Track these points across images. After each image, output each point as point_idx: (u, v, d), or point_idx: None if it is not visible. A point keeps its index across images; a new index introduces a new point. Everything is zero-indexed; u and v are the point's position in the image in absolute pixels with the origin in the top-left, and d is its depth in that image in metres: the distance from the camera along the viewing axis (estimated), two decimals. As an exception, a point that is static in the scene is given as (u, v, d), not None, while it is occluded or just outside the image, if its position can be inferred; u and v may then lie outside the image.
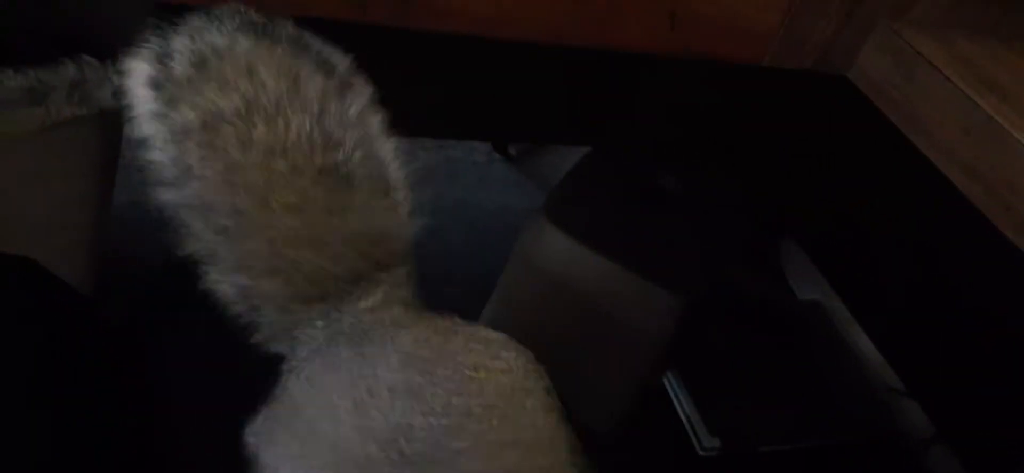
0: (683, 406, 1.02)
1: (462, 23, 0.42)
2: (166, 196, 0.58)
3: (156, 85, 0.57)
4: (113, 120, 0.75)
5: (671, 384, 1.05)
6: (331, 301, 0.62)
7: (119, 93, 0.68)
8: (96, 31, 0.68)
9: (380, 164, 0.65)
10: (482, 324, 1.01)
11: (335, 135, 0.60)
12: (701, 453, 0.98)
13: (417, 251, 1.14)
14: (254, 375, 0.60)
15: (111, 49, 0.67)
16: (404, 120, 1.17)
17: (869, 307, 1.20)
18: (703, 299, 1.01)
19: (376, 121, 0.65)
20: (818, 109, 1.13)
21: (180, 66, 0.57)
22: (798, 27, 0.69)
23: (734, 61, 0.50)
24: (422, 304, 0.69)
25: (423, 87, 1.11)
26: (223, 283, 0.59)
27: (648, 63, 1.15)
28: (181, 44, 0.57)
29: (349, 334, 0.61)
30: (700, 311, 1.03)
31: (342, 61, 0.63)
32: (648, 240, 0.97)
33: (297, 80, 0.59)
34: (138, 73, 0.57)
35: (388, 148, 0.66)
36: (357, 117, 0.62)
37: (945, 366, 1.09)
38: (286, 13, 0.40)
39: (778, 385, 1.09)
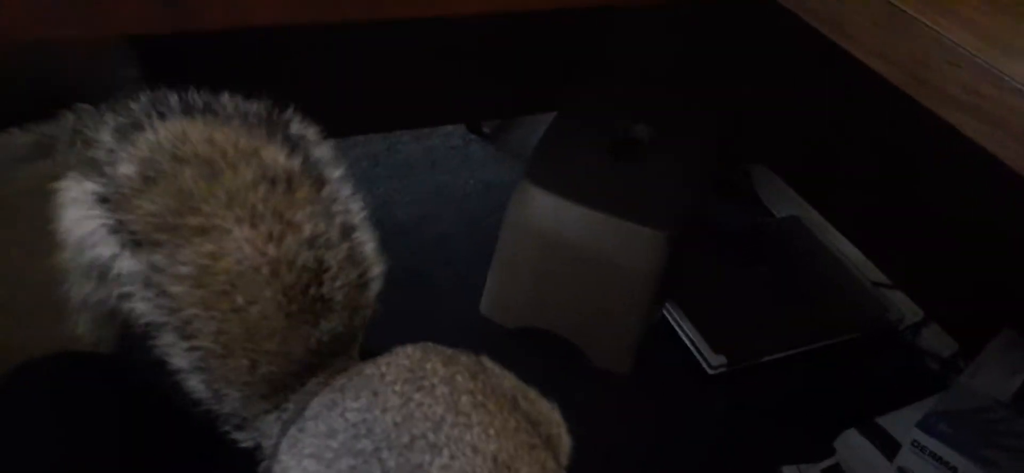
0: (686, 333, 1.08)
1: (429, 8, 0.47)
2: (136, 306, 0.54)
3: (103, 200, 0.53)
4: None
5: (672, 316, 1.10)
6: (286, 394, 0.59)
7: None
8: (88, 79, 0.73)
9: (360, 254, 0.60)
10: (487, 296, 1.08)
11: (325, 261, 0.57)
12: (710, 372, 1.04)
13: (412, 240, 1.20)
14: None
15: (106, 95, 0.71)
16: (381, 117, 1.23)
17: (842, 211, 1.26)
18: (686, 232, 1.07)
19: (356, 209, 0.60)
20: (752, 34, 1.19)
21: (125, 169, 0.53)
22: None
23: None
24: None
25: (396, 81, 1.16)
26: (191, 381, 0.57)
27: (594, 21, 1.20)
28: (124, 149, 0.53)
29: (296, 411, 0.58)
30: (687, 244, 1.09)
31: (314, 139, 0.59)
32: (627, 186, 1.03)
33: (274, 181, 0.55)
34: (78, 194, 0.54)
35: (366, 231, 0.61)
36: (343, 227, 0.58)
37: (921, 250, 1.16)
38: (267, 22, 0.44)
39: (771, 298, 1.15)
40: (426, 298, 1.09)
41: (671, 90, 1.20)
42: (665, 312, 1.11)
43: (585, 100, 1.16)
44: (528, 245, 1.03)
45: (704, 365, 1.05)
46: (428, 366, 0.55)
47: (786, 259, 1.23)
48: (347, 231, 0.58)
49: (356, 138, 1.30)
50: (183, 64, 0.81)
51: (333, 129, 1.21)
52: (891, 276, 1.21)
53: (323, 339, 0.57)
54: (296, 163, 0.56)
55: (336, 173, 0.58)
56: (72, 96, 0.70)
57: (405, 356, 0.57)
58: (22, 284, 0.78)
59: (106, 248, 0.53)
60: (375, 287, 0.61)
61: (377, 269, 0.60)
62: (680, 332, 1.09)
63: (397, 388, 0.54)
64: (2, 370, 0.80)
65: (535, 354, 1.00)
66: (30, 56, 0.71)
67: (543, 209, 1.00)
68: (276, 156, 0.55)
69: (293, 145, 0.57)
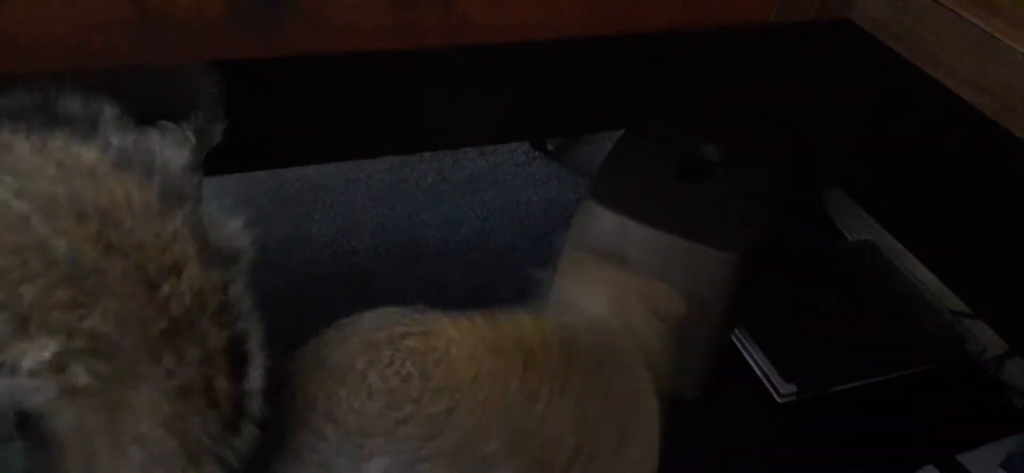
0: (756, 359, 1.05)
1: (504, 35, 0.47)
2: None
3: None
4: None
5: (741, 341, 1.08)
6: None
7: (197, 151, 0.75)
8: (169, 98, 0.75)
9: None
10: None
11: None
12: (780, 400, 1.01)
13: (475, 255, 1.20)
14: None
15: (184, 113, 0.73)
16: (448, 134, 1.24)
17: (921, 237, 1.22)
18: (756, 255, 1.04)
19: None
20: (830, 55, 1.16)
21: None
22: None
23: (743, 22, 0.54)
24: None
25: (463, 99, 1.17)
26: None
27: (666, 41, 1.19)
28: None
29: None
30: (756, 266, 1.06)
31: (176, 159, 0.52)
32: (694, 207, 1.01)
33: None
34: None
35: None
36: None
37: (1006, 280, 1.10)
38: (354, 49, 0.44)
39: (844, 325, 1.11)
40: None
41: (742, 109, 1.17)
42: (734, 337, 1.09)
43: (652, 118, 1.15)
44: (592, 264, 1.02)
45: (773, 393, 1.02)
46: None
47: (860, 285, 1.18)
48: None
49: (423, 153, 1.32)
50: (258, 80, 0.84)
51: (402, 145, 1.24)
52: (972, 305, 1.15)
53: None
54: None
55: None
56: (155, 112, 0.72)
57: None
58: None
59: None
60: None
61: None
62: (749, 358, 1.06)
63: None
64: None
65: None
66: (114, 74, 0.74)
67: (608, 228, 0.99)
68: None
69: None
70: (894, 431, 1.01)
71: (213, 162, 0.78)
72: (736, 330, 1.09)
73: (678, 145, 1.09)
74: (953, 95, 0.66)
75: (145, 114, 0.73)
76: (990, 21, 0.60)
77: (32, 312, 0.42)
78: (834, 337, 1.10)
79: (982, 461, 0.88)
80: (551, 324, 0.66)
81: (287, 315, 1.07)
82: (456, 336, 0.59)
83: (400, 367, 0.56)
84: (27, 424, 0.50)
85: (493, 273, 1.17)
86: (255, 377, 0.50)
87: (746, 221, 1.03)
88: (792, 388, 1.01)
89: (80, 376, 0.43)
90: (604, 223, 0.99)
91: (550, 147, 1.38)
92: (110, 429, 0.46)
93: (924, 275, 1.20)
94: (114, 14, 0.37)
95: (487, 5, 0.47)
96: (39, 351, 0.42)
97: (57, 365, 0.43)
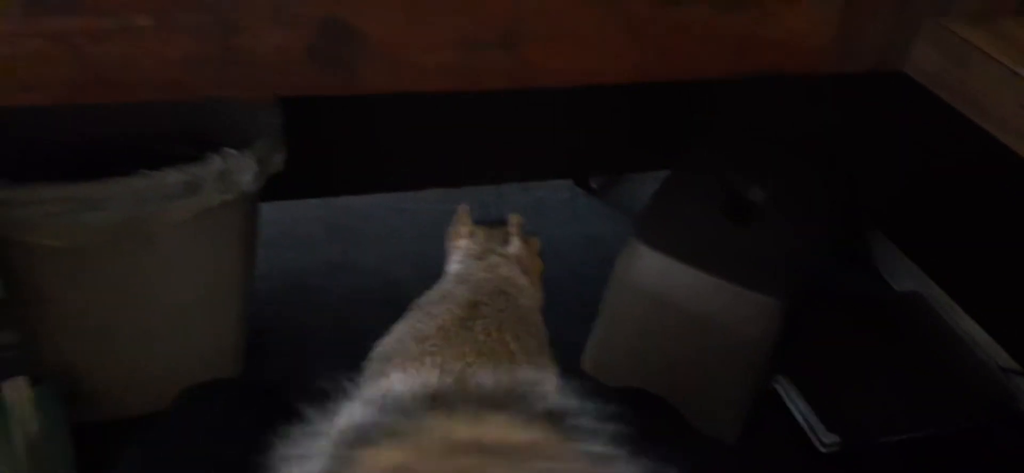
0: (798, 407, 1.04)
1: (565, 79, 0.48)
2: None
3: None
4: (252, 202, 0.84)
5: (783, 387, 1.06)
6: None
7: (258, 178, 0.77)
8: (236, 126, 0.78)
9: None
10: (590, 351, 1.07)
11: None
12: (822, 450, 1.00)
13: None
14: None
15: (248, 141, 0.76)
16: (491, 169, 1.26)
17: (969, 290, 1.19)
18: (801, 300, 1.03)
19: None
20: (884, 106, 1.16)
21: None
22: (852, 35, 0.74)
23: (799, 73, 0.55)
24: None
25: (508, 135, 1.18)
26: None
27: (720, 85, 1.20)
28: None
29: None
30: (801, 312, 1.06)
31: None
32: (740, 249, 1.01)
33: None
34: None
35: None
36: None
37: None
38: (420, 88, 0.45)
39: (890, 376, 1.10)
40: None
41: (789, 153, 1.17)
42: (776, 383, 1.08)
43: (699, 160, 1.15)
44: (635, 303, 1.02)
45: (816, 442, 1.00)
46: None
47: (907, 336, 1.17)
48: None
49: (466, 187, 1.33)
50: (312, 112, 0.86)
51: (447, 178, 1.26)
52: (1022, 362, 1.13)
53: None
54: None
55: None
56: (219, 141, 0.75)
57: None
58: (160, 309, 0.84)
59: None
60: None
61: None
62: (791, 405, 1.05)
63: None
64: (135, 389, 0.85)
65: (636, 414, 0.98)
66: (183, 104, 0.77)
67: (652, 268, 0.99)
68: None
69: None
70: (940, 487, 0.99)
71: (269, 189, 0.81)
72: (778, 375, 1.08)
73: (724, 187, 1.09)
74: (1003, 146, 0.66)
75: (213, 140, 0.76)
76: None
77: None
78: (880, 388, 1.08)
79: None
80: None
81: (331, 340, 1.10)
82: None
83: None
84: None
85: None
86: None
87: (791, 266, 1.02)
88: (835, 438, 0.99)
89: None
90: (649, 263, 0.99)
91: (593, 185, 1.39)
92: None
93: (972, 328, 1.18)
94: (204, 52, 0.40)
95: (550, 51, 0.48)
96: None
97: None
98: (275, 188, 0.82)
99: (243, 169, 0.74)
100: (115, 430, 0.63)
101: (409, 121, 1.12)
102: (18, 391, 0.73)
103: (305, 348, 1.07)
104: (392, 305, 1.15)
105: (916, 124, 1.12)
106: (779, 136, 1.22)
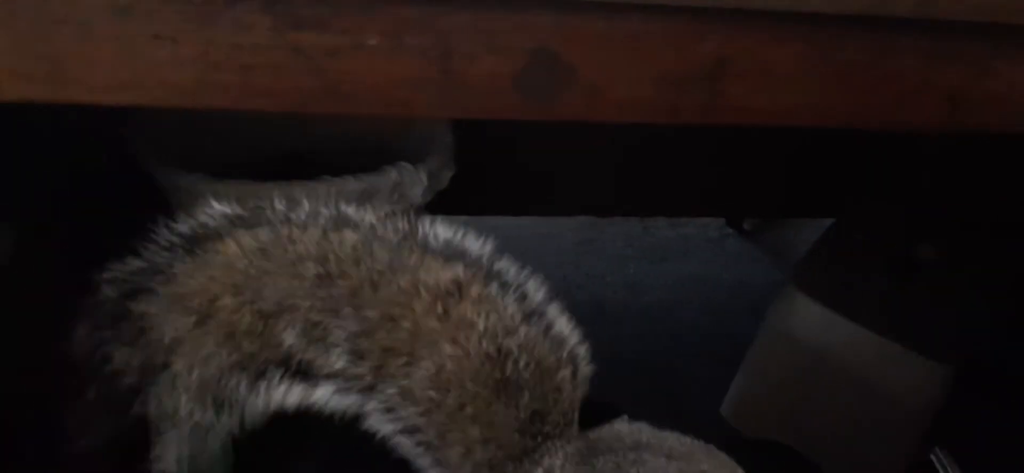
0: (957, 485, 0.96)
1: (761, 118, 0.47)
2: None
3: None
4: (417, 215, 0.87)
5: (940, 461, 0.99)
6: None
7: (427, 192, 0.80)
8: (410, 142, 0.81)
9: (544, 336, 0.60)
10: (731, 398, 1.04)
11: (504, 347, 0.57)
12: (982, 535, 0.92)
13: (657, 327, 1.19)
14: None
15: (421, 156, 0.79)
16: (640, 201, 1.25)
17: None
18: (969, 370, 0.96)
19: (534, 294, 0.60)
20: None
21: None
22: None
23: (1012, 134, 0.51)
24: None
25: (660, 167, 1.17)
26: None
27: (901, 138, 1.14)
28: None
29: None
30: (967, 383, 0.98)
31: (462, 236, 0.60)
32: (907, 308, 0.95)
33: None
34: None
35: (554, 312, 0.60)
36: (519, 314, 0.58)
37: None
38: (615, 120, 0.46)
39: (1065, 464, 1.00)
40: (665, 387, 1.08)
41: (963, 213, 1.09)
42: (932, 456, 1.00)
43: (867, 211, 1.10)
44: (787, 354, 0.98)
45: (976, 526, 0.93)
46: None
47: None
48: (526, 316, 0.59)
49: (615, 217, 1.33)
50: (467, 130, 0.88)
51: (595, 207, 1.26)
52: None
53: (523, 416, 0.59)
54: (458, 271, 0.57)
55: (500, 264, 0.59)
56: (395, 154, 0.78)
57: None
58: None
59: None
60: (575, 364, 0.60)
61: (571, 346, 0.60)
62: (950, 481, 0.97)
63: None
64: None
65: (774, 469, 0.95)
66: (364, 119, 0.82)
67: (810, 319, 0.95)
68: (438, 274, 0.57)
69: (448, 255, 0.58)
70: None
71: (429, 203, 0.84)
72: (936, 448, 1.00)
73: (895, 242, 1.04)
74: None
75: (388, 154, 0.80)
76: None
77: None
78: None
79: None
80: None
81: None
82: None
83: None
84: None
85: (670, 347, 1.16)
86: None
87: (963, 332, 0.95)
88: (1000, 525, 0.91)
89: None
90: (806, 313, 0.95)
91: (747, 226, 1.35)
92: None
93: None
94: (423, 73, 0.42)
95: (751, 90, 0.47)
96: None
97: None
98: (431, 203, 0.84)
99: (415, 183, 0.77)
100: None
101: (559, 145, 1.13)
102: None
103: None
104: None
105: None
106: (955, 194, 1.14)
